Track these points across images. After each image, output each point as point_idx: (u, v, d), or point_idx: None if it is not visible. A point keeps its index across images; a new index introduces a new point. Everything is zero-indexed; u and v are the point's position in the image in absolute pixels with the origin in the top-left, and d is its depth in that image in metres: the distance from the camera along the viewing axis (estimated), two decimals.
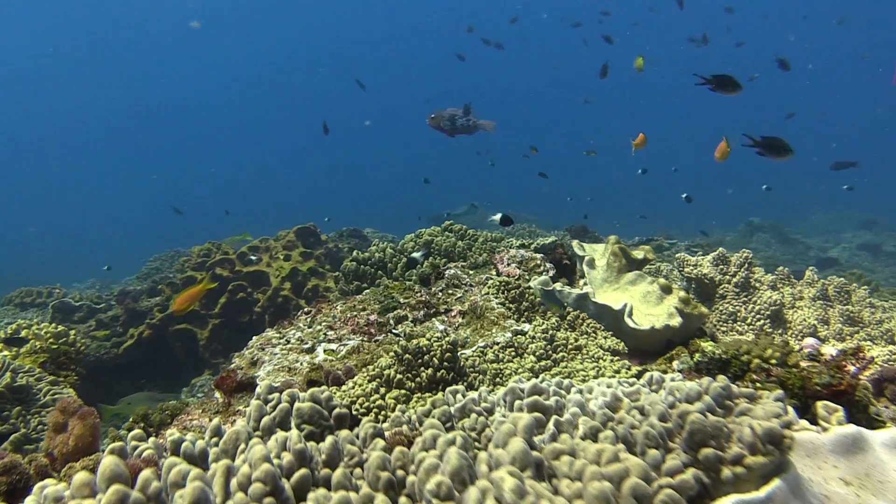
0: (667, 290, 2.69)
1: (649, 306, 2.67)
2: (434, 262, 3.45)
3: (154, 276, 7.66)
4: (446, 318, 2.66)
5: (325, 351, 2.46)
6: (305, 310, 3.00)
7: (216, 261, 6.28)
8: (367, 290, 3.15)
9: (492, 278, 2.95)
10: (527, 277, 3.02)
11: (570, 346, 2.39)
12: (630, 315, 2.53)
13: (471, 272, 3.21)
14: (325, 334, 2.60)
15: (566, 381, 1.44)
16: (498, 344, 2.33)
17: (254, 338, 2.78)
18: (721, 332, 3.17)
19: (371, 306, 2.81)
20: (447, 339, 2.15)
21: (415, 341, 2.20)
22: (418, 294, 2.86)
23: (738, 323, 3.15)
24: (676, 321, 2.48)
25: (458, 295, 2.83)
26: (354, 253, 4.22)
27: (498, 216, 3.95)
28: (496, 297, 2.73)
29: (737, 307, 3.18)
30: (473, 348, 2.33)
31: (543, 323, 2.50)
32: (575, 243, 3.21)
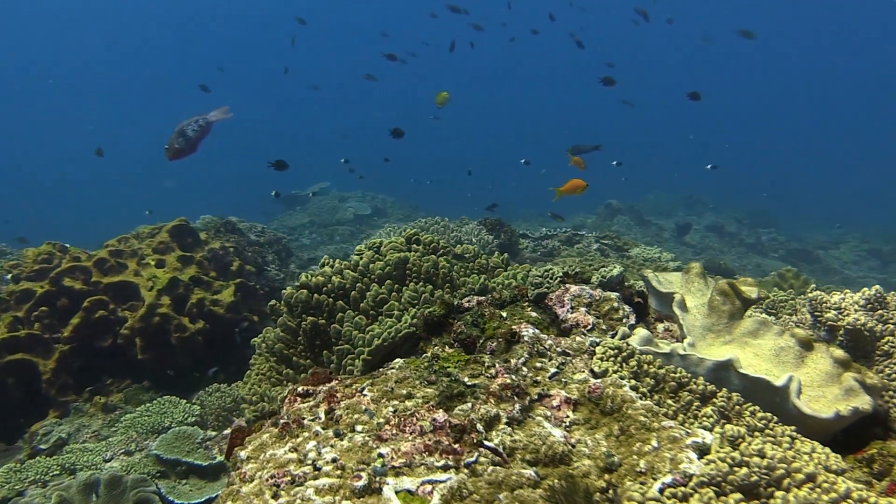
0: (807, 346, 2.02)
1: (787, 369, 2.00)
2: (484, 320, 2.50)
3: None
4: (550, 413, 1.80)
5: (399, 495, 1.51)
6: (300, 389, 2.01)
7: (65, 269, 4.88)
8: (400, 363, 2.17)
9: (598, 342, 2.09)
10: (603, 328, 2.24)
11: (796, 476, 1.56)
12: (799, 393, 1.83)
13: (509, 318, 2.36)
14: (378, 452, 1.64)
15: None
16: (690, 478, 1.49)
17: (242, 454, 1.75)
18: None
19: (419, 390, 1.88)
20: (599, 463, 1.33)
21: (560, 482, 1.37)
22: (491, 369, 1.95)
23: None
24: (866, 403, 1.81)
25: (551, 370, 1.97)
26: (302, 277, 3.21)
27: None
28: (618, 373, 1.89)
29: None
30: (642, 486, 1.49)
31: (726, 426, 1.68)
32: (649, 274, 2.47)
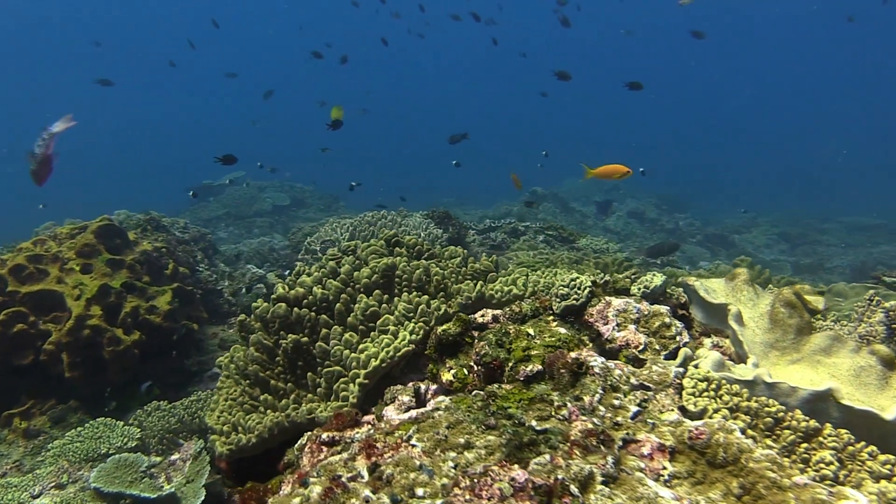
0: (890, 365, 1.84)
1: (870, 393, 1.82)
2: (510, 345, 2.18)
3: None
4: (644, 465, 1.53)
5: None
6: (324, 436, 1.69)
7: None
8: (446, 402, 1.84)
9: (683, 372, 1.82)
10: (656, 347, 2.01)
11: None
12: None
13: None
14: None
15: None
16: None
17: None
18: None
19: (478, 437, 1.58)
20: None
21: None
22: (562, 409, 1.65)
23: None
24: None
25: (632, 409, 1.68)
26: (278, 288, 2.85)
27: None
28: (719, 412, 1.64)
29: None
30: None
31: (884, 484, 1.46)
32: (695, 283, 2.24)
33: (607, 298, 2.17)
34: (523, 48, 14.61)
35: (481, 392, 1.82)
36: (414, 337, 2.55)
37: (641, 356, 1.93)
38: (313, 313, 2.74)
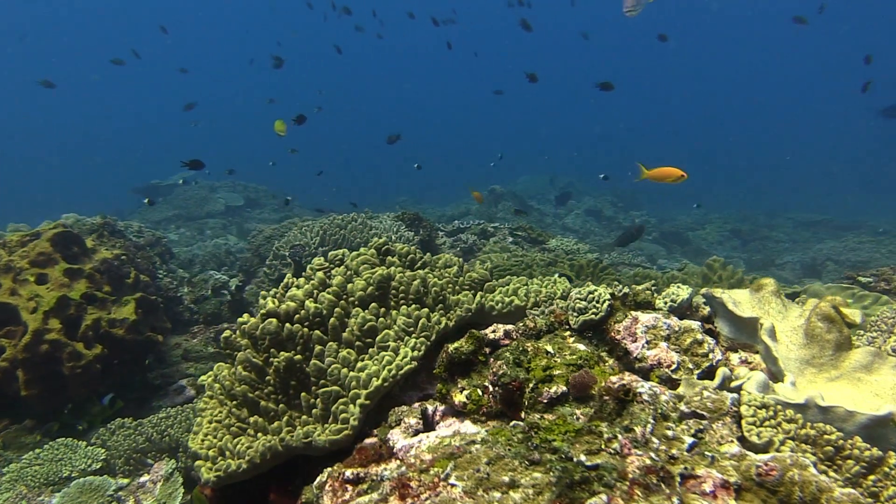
0: None
1: None
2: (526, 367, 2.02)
3: None
4: None
5: None
6: (347, 473, 1.54)
7: None
8: (483, 434, 1.68)
9: (738, 398, 1.67)
10: (689, 366, 1.90)
11: None
12: None
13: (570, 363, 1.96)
14: None
15: None
16: None
17: None
18: None
19: (522, 474, 1.44)
20: None
21: None
22: (613, 442, 1.51)
23: None
24: None
25: (686, 440, 1.55)
26: (267, 303, 2.66)
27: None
28: (785, 443, 1.51)
29: None
30: None
31: None
32: (722, 295, 2.13)
33: (633, 313, 2.05)
34: (479, 48, 14.57)
35: (520, 423, 1.69)
36: (416, 353, 2.41)
37: (674, 376, 1.82)
38: (306, 329, 2.57)
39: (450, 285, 2.79)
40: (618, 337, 1.99)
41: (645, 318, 2.01)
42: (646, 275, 5.38)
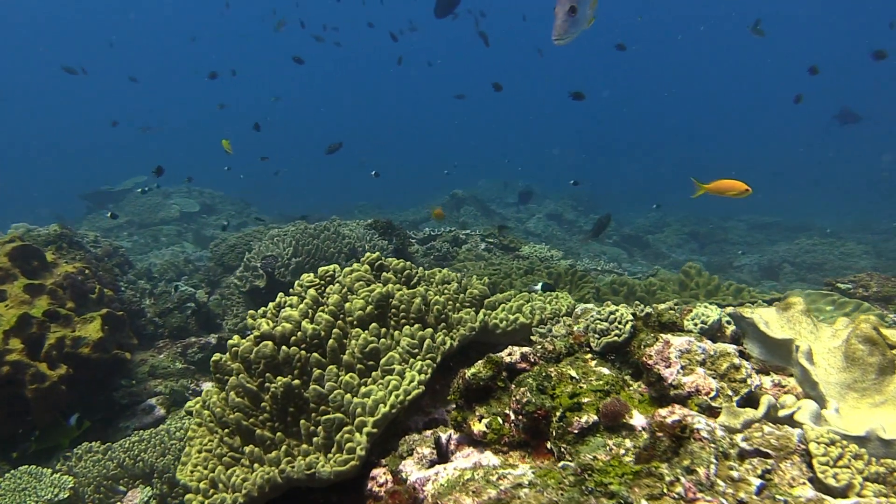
0: None
1: None
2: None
3: None
4: None
5: None
6: None
7: None
8: (530, 476, 1.55)
9: (805, 434, 1.56)
10: (728, 393, 1.81)
11: None
12: None
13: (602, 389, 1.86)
14: None
15: None
16: None
17: None
18: None
19: None
20: None
21: None
22: (676, 486, 1.35)
23: None
24: None
25: (754, 482, 1.37)
26: (261, 324, 2.51)
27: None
28: (866, 485, 1.40)
29: None
30: None
31: None
32: (752, 314, 2.03)
33: (663, 336, 1.94)
34: (439, 55, 14.68)
35: (570, 464, 1.58)
36: (423, 377, 2.30)
37: (713, 404, 1.74)
38: (303, 352, 2.44)
39: (450, 302, 2.69)
40: (650, 362, 1.89)
41: (678, 341, 1.91)
42: (622, 282, 5.35)
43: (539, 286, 3.26)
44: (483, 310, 2.68)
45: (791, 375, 1.91)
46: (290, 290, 2.92)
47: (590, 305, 2.59)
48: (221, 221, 14.16)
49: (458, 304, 2.72)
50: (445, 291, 2.74)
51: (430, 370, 2.33)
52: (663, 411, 1.63)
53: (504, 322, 2.60)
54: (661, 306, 2.15)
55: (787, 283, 11.37)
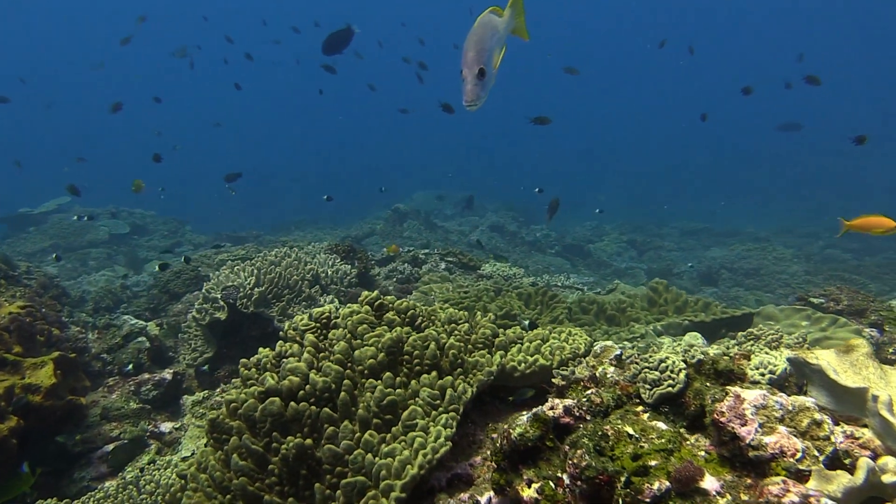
0: None
1: None
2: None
3: None
4: None
5: None
6: None
7: None
8: None
9: None
10: (815, 453, 1.68)
11: None
12: None
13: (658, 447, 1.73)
14: None
15: None
16: None
17: None
18: None
19: None
20: None
21: None
22: None
23: None
24: None
25: None
26: (265, 379, 2.30)
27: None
28: None
29: None
30: None
31: None
32: (818, 360, 1.91)
33: (733, 390, 1.79)
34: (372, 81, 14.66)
35: None
36: (449, 432, 2.14)
37: (800, 466, 1.62)
38: (313, 407, 2.24)
39: (460, 343, 2.54)
40: (722, 419, 1.73)
41: (751, 395, 1.75)
42: (591, 299, 5.31)
43: (526, 323, 3.17)
44: (500, 351, 2.55)
45: (864, 426, 1.82)
46: (282, 332, 2.72)
47: (609, 343, 2.49)
48: (154, 241, 13.59)
49: (469, 346, 2.58)
50: (455, 332, 2.59)
51: (454, 423, 2.18)
52: (774, 489, 1.49)
53: (522, 364, 2.47)
54: (712, 350, 2.05)
55: (726, 289, 11.67)
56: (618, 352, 2.34)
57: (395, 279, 5.91)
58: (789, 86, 8.24)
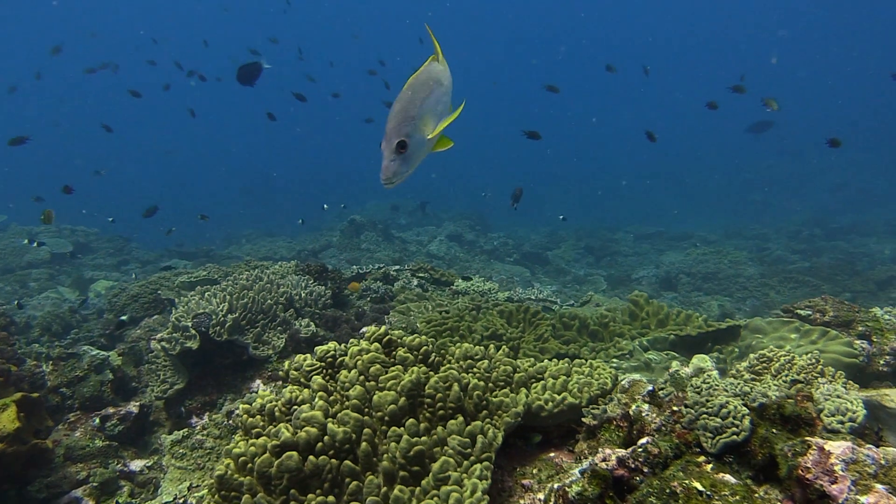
0: None
1: None
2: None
3: None
4: None
5: None
6: None
7: None
8: None
9: None
10: None
11: None
12: None
13: None
14: None
15: None
16: None
17: None
18: None
19: None
20: None
21: None
22: None
23: None
24: None
25: None
26: (279, 431, 2.10)
27: None
28: None
29: None
30: None
31: None
32: (892, 402, 1.82)
33: (816, 442, 1.65)
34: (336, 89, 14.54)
35: None
36: (485, 484, 1.98)
37: None
38: (334, 460, 2.06)
39: (483, 383, 2.39)
40: (808, 476, 1.58)
41: (837, 448, 1.63)
42: (573, 315, 5.22)
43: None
44: (524, 390, 2.41)
45: None
46: (281, 373, 2.53)
47: (636, 376, 2.38)
48: (98, 260, 13.03)
49: (490, 385, 2.43)
50: (474, 370, 2.44)
51: (489, 474, 2.03)
52: None
53: (550, 403, 2.34)
54: (772, 392, 1.93)
55: (686, 294, 11.80)
56: (650, 387, 2.23)
57: (368, 299, 5.72)
58: (714, 106, 8.38)
